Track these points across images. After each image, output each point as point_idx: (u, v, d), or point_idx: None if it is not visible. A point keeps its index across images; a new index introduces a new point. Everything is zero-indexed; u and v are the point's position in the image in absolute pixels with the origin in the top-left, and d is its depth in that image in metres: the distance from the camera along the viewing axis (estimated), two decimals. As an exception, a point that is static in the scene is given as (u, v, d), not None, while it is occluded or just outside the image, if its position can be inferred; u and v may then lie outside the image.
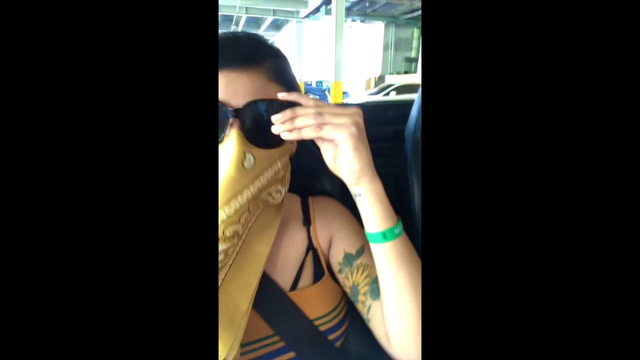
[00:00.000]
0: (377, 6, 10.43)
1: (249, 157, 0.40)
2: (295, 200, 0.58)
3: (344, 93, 11.65)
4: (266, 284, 0.49)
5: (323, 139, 0.41)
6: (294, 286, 0.52)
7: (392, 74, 12.66)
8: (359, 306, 0.51)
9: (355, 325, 0.55)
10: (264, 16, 12.05)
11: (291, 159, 0.49)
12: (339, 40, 8.42)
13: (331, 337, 0.51)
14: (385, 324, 0.46)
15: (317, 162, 0.56)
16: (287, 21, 12.92)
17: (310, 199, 0.59)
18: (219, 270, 0.42)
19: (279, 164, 0.44)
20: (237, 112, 0.39)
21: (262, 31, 14.35)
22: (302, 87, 13.13)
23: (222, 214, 0.39)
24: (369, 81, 13.44)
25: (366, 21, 11.93)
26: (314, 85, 16.45)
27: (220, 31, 0.43)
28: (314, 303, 0.51)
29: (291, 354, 0.49)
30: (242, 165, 0.39)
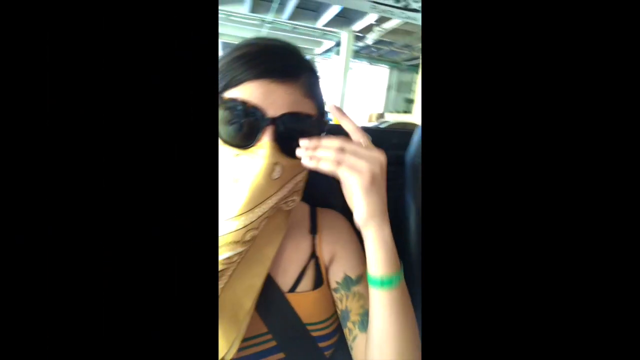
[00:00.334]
0: (383, 52, 11.77)
1: (278, 168, 0.41)
2: (304, 208, 0.60)
3: (347, 125, 12.75)
4: (266, 282, 0.49)
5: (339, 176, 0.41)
6: (293, 288, 0.53)
7: (391, 112, 13.83)
8: (346, 331, 0.52)
9: (345, 341, 0.54)
10: (282, 50, 13.46)
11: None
12: (345, 78, 9.60)
13: (322, 344, 0.52)
14: None
15: (327, 176, 0.65)
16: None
17: (318, 210, 0.60)
18: (228, 270, 0.43)
19: (299, 176, 0.45)
20: (274, 121, 0.41)
21: (278, 63, 15.76)
22: (309, 116, 14.22)
23: (246, 220, 0.41)
24: (370, 116, 14.65)
25: (373, 64, 13.27)
26: (320, 115, 17.68)
27: (259, 38, 0.46)
28: (310, 308, 0.52)
29: (281, 355, 0.50)
30: (271, 175, 0.40)
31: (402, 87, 14.26)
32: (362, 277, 0.54)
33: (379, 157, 0.40)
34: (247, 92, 0.41)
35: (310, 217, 0.59)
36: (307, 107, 0.44)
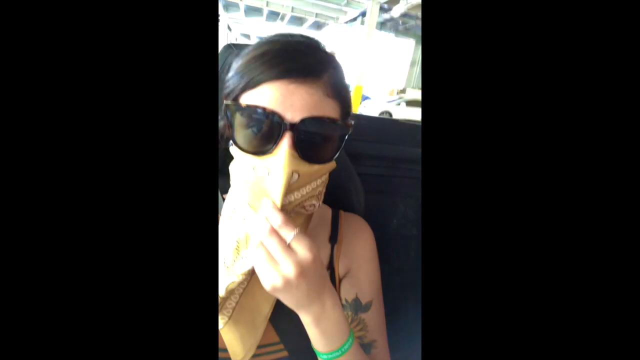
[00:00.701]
0: (409, 25, 11.45)
1: (295, 175, 0.39)
2: (326, 212, 0.57)
3: (367, 97, 12.72)
4: None
5: None
6: None
7: (414, 88, 13.61)
8: None
9: None
10: (307, 17, 13.26)
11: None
12: (367, 50, 9.51)
13: None
14: None
15: (349, 175, 0.62)
16: (327, 23, 14.09)
17: (341, 215, 0.57)
18: (248, 274, 0.41)
19: (318, 181, 0.43)
20: (292, 127, 0.38)
21: (304, 28, 15.56)
22: (330, 86, 14.21)
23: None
24: (392, 91, 14.47)
25: (398, 37, 12.94)
26: (342, 86, 17.60)
27: (280, 34, 0.44)
28: None
29: None
30: (288, 185, 0.39)
31: (427, 63, 13.90)
32: (371, 304, 0.52)
33: (302, 258, 0.36)
34: (266, 94, 0.39)
35: (331, 223, 0.56)
36: (329, 109, 0.41)
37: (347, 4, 9.46)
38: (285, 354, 0.49)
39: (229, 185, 0.46)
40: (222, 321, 0.43)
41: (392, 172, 0.85)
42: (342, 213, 0.58)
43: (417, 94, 11.73)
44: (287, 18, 14.32)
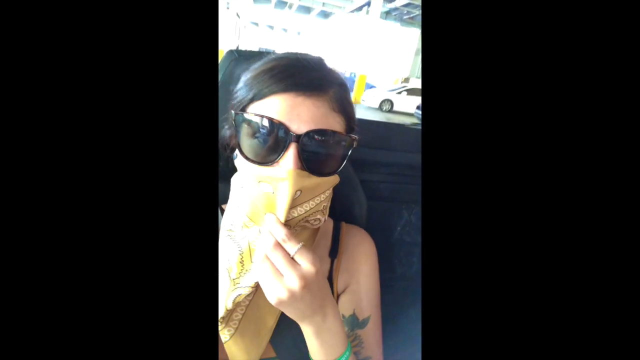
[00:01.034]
0: (414, 15, 11.67)
1: (298, 193, 0.40)
2: (328, 224, 0.57)
3: (372, 86, 13.03)
4: None
5: None
6: None
7: (418, 77, 13.87)
8: None
9: None
10: (314, 6, 13.53)
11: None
12: (371, 39, 9.82)
13: None
14: None
15: (348, 183, 0.61)
16: (333, 13, 14.33)
17: (343, 228, 0.58)
18: (255, 286, 0.42)
19: (322, 196, 0.44)
20: (298, 138, 0.39)
21: (312, 16, 15.81)
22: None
23: None
24: (396, 80, 14.76)
25: (403, 26, 13.15)
26: (347, 75, 17.91)
27: (288, 52, 0.46)
28: None
29: None
30: (292, 202, 0.39)
31: (432, 53, 14.08)
32: (368, 320, 0.53)
33: (305, 271, 0.37)
34: (273, 106, 0.40)
35: (332, 236, 0.56)
36: (334, 123, 0.42)
37: (353, -6, 9.74)
38: None
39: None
40: (228, 334, 0.44)
41: (396, 179, 0.86)
42: (343, 226, 0.58)
43: (419, 83, 12.03)
44: (294, 7, 14.59)
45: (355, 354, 0.50)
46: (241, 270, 0.43)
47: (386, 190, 0.86)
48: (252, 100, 0.42)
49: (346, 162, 0.44)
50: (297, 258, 0.38)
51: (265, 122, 0.40)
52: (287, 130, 0.39)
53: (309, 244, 0.50)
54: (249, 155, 0.41)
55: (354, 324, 0.52)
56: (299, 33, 24.50)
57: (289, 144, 0.39)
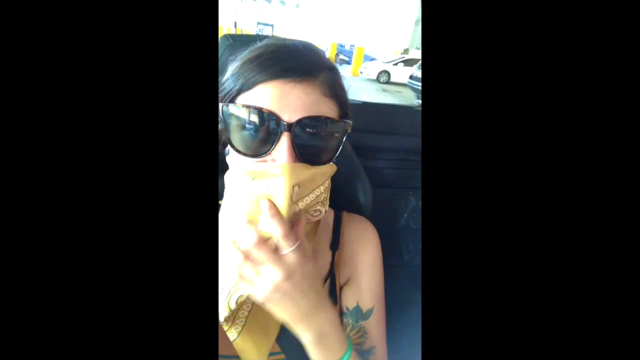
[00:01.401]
0: (412, -17, 11.46)
1: (296, 188, 0.38)
2: (328, 215, 0.56)
3: (373, 59, 12.98)
4: None
5: None
6: None
7: (417, 48, 13.74)
8: None
9: None
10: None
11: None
12: (370, 9, 9.75)
13: None
14: None
15: (352, 171, 0.59)
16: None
17: (344, 218, 0.56)
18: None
19: (322, 188, 0.43)
20: (290, 127, 0.38)
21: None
22: (334, 48, 14.44)
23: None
24: (396, 52, 14.64)
25: (403, -5, 12.90)
26: (347, 47, 17.69)
27: (274, 37, 0.44)
28: None
29: None
30: (291, 198, 0.38)
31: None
32: (372, 311, 0.52)
33: (289, 267, 0.36)
34: (262, 95, 0.39)
35: (333, 227, 0.55)
36: (326, 108, 0.40)
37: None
38: None
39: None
40: (235, 332, 0.44)
41: (401, 165, 0.83)
42: (345, 215, 0.57)
43: (418, 54, 11.96)
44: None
45: (360, 344, 0.51)
46: None
47: (391, 176, 0.85)
48: (240, 91, 0.41)
49: (349, 149, 0.43)
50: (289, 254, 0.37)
51: (255, 113, 0.39)
52: (278, 119, 0.38)
53: (311, 237, 0.50)
54: (240, 149, 0.40)
55: (358, 315, 0.52)
56: (297, 6, 24.03)
57: (280, 134, 0.38)
